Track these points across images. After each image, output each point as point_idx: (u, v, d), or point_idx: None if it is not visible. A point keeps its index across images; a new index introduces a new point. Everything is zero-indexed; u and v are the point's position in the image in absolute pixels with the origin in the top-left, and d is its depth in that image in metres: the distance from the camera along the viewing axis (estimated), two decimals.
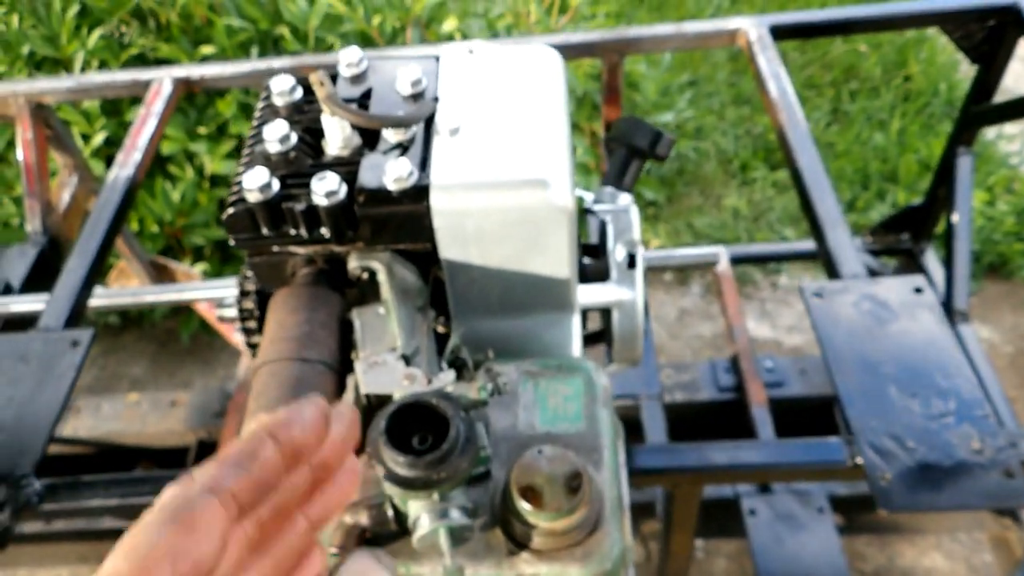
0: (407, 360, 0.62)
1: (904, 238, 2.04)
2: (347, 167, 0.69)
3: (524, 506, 0.55)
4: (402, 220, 0.67)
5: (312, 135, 0.72)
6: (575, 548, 0.57)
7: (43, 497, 1.02)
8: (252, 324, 0.90)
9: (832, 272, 1.18)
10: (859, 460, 0.94)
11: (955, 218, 1.81)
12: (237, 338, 2.06)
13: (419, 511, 0.55)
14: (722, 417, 1.85)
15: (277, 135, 0.69)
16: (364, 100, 0.74)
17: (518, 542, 0.57)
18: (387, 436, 0.53)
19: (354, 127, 0.70)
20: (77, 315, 1.25)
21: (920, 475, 0.92)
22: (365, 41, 2.68)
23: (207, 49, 2.49)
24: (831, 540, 1.55)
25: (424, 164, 0.68)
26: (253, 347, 0.93)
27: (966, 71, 3.32)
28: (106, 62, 2.45)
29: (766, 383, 1.83)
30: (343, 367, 0.65)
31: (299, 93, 0.75)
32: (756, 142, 3.13)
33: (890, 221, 2.07)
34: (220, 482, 0.37)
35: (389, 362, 0.61)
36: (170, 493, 0.37)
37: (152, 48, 2.46)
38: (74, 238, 1.77)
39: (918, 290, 1.10)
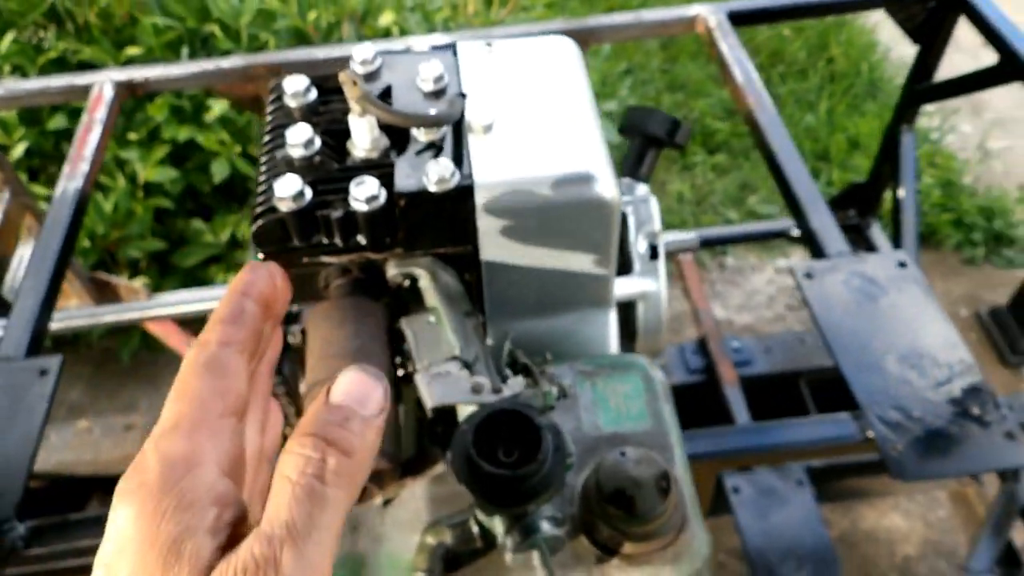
0: (469, 368, 0.59)
1: (851, 215, 2.11)
2: (379, 170, 0.65)
3: (615, 511, 0.54)
4: (445, 222, 0.64)
5: (333, 137, 0.69)
6: (665, 550, 0.56)
7: (28, 541, 0.95)
8: None
9: (817, 251, 1.20)
10: (870, 434, 0.97)
11: (901, 193, 1.89)
12: None
13: (509, 526, 0.52)
14: (694, 399, 1.88)
15: (301, 139, 0.65)
16: (385, 98, 0.71)
17: (606, 549, 0.56)
18: (476, 451, 0.50)
19: (381, 128, 0.67)
20: (38, 341, 1.16)
21: (929, 444, 0.95)
22: (300, 38, 2.60)
23: (133, 50, 2.36)
24: (811, 511, 1.60)
25: (459, 163, 0.65)
26: None
27: (883, 52, 3.46)
28: (22, 67, 2.29)
29: (734, 363, 1.87)
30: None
31: (314, 94, 0.71)
32: (693, 127, 3.19)
33: (837, 199, 2.14)
34: (230, 337, 0.42)
35: (453, 372, 0.58)
36: (193, 354, 0.41)
37: (73, 51, 2.31)
38: (11, 256, 1.66)
39: (902, 264, 1.14)
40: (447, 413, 0.60)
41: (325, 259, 0.66)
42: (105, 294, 2.00)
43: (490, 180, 0.64)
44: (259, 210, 0.64)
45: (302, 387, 0.62)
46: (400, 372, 0.65)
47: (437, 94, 0.71)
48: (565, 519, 0.55)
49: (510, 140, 0.67)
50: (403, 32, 2.66)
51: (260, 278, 0.46)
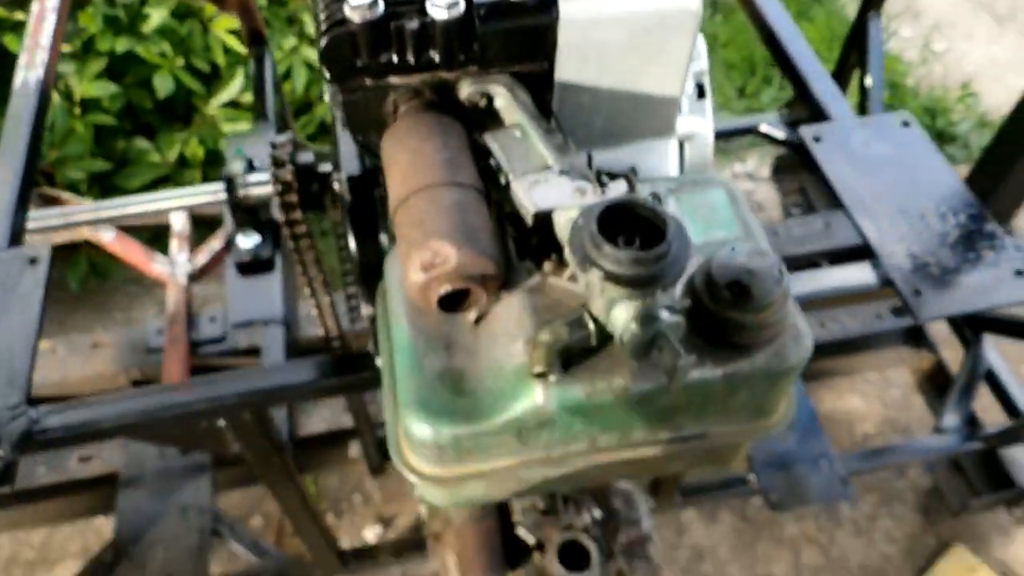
0: (566, 175, 0.57)
1: None
2: None
3: (730, 299, 0.54)
4: (525, 35, 0.61)
5: None
6: (774, 341, 0.56)
7: (42, 425, 0.90)
8: (292, 198, 0.82)
9: (821, 117, 1.22)
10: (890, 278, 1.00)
11: (868, 81, 1.92)
12: (157, 269, 1.88)
13: (630, 316, 0.52)
14: None
15: None
16: None
17: (718, 340, 0.56)
18: (602, 236, 0.49)
19: None
20: (18, 234, 1.09)
21: (945, 284, 0.99)
22: None
23: None
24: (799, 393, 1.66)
25: None
26: (292, 223, 0.84)
27: None
28: None
29: None
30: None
31: None
32: None
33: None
34: None
35: (552, 179, 0.57)
36: None
37: None
38: None
39: (906, 124, 1.16)
40: (542, 225, 0.58)
41: (394, 80, 0.62)
42: None
43: None
44: (326, 24, 0.60)
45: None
46: None
47: None
48: (681, 310, 0.54)
49: None
50: None
51: None
